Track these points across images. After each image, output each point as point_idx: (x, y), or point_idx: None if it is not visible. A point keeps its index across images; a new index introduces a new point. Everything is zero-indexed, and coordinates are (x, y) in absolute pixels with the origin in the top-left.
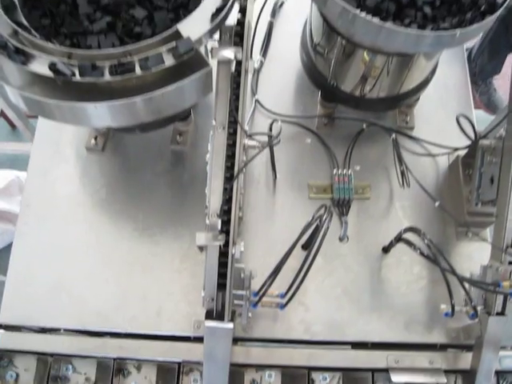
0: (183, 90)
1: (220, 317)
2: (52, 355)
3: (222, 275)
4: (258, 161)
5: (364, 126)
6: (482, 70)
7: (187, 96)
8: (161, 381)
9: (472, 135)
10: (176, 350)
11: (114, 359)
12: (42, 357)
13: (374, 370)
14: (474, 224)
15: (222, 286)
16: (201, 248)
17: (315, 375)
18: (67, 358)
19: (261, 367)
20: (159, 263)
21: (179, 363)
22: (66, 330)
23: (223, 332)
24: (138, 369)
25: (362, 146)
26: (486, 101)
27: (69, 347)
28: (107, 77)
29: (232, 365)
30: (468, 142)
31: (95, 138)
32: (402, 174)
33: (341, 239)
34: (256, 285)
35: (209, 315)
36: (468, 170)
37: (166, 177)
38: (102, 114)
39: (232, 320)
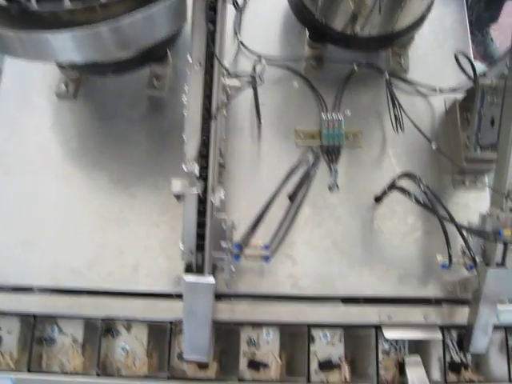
0: (153, 18)
1: (200, 270)
2: (35, 316)
3: (201, 225)
4: (242, 106)
5: (355, 66)
6: (478, 18)
7: (158, 25)
8: (152, 341)
9: (471, 74)
10: (155, 307)
11: (102, 319)
12: (25, 318)
13: (377, 327)
14: (472, 171)
15: (201, 238)
16: (178, 197)
17: (315, 333)
18: (52, 318)
19: (258, 325)
20: (136, 216)
21: (171, 322)
22: (39, 288)
23: (203, 287)
24: (128, 329)
25: (353, 89)
26: (483, 52)
27: (52, 306)
28: (67, 3)
29: (226, 323)
30: (466, 85)
31: (66, 84)
32: (396, 118)
33: (330, 188)
34: (239, 237)
35: (188, 269)
36: (466, 114)
37: (142, 124)
38: (65, 45)
39: (213, 274)
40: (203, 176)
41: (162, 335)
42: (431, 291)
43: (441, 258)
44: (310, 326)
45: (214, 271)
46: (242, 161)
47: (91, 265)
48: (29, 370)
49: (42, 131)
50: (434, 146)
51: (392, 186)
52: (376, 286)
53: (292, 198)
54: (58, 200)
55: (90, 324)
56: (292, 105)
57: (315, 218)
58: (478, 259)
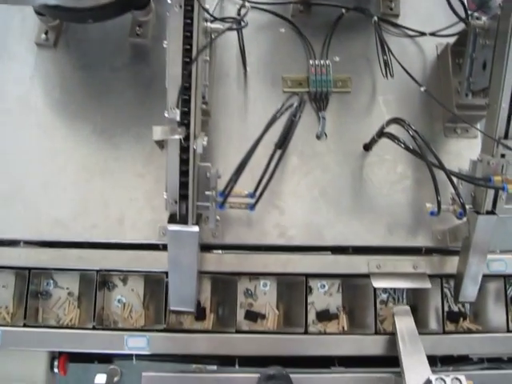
0: None
1: (184, 220)
2: (30, 270)
3: (184, 174)
4: (228, 54)
5: (343, 11)
6: None
7: None
8: (149, 293)
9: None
10: (141, 259)
11: (97, 271)
12: (20, 272)
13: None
14: (463, 118)
15: (184, 186)
16: (161, 145)
17: (313, 283)
18: (47, 272)
19: (255, 276)
20: (120, 167)
21: (167, 273)
22: (25, 242)
23: (188, 235)
24: (124, 281)
25: (342, 35)
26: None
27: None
28: None
29: (222, 274)
30: (458, 29)
31: (46, 33)
32: (386, 64)
33: (318, 137)
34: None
35: (172, 219)
36: (458, 60)
37: (125, 73)
38: None
39: (198, 224)
40: (185, 122)
41: (159, 287)
42: (421, 240)
43: (430, 206)
44: (308, 277)
45: (198, 221)
46: (228, 109)
47: (75, 217)
48: (25, 325)
49: (22, 81)
50: (422, 89)
51: (381, 133)
52: (365, 235)
53: (277, 144)
54: (40, 152)
55: (85, 277)
56: (279, 51)
57: (303, 167)
58: (468, 207)
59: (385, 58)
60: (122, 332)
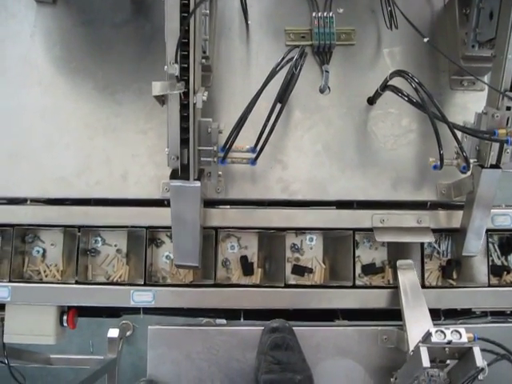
0: None
1: (186, 175)
2: (79, 228)
3: (185, 129)
4: (229, 7)
5: None
6: None
7: None
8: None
9: None
10: (144, 214)
11: (147, 228)
12: (69, 230)
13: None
14: (469, 70)
15: (185, 142)
16: (161, 101)
17: (359, 237)
18: (95, 230)
19: (301, 230)
20: (122, 124)
21: (216, 229)
22: (31, 200)
23: (190, 191)
24: (171, 238)
25: None
26: None
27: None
28: None
29: (271, 228)
30: None
31: None
32: (391, 14)
33: (321, 90)
34: None
35: (174, 174)
36: (465, 9)
37: (126, 29)
38: None
39: (199, 179)
40: (184, 78)
41: (206, 242)
42: (425, 195)
43: (433, 160)
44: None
45: (200, 176)
46: (230, 64)
47: (79, 174)
48: (76, 282)
49: (22, 39)
50: (425, 40)
51: (384, 86)
52: (369, 190)
53: (277, 97)
54: (42, 110)
55: (133, 234)
56: (281, 4)
57: (306, 121)
58: (472, 161)
59: (389, 8)
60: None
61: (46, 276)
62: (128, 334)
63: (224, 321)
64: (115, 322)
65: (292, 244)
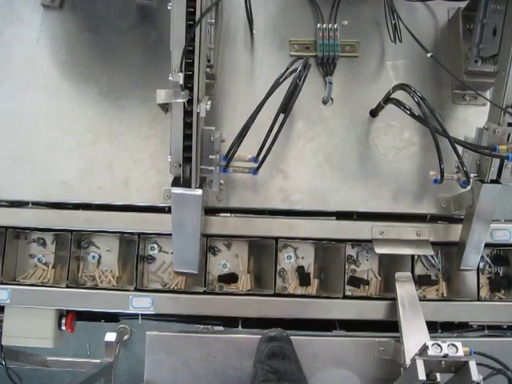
0: None
1: (187, 183)
2: (139, 235)
3: (188, 137)
4: (235, 16)
5: None
6: None
7: None
8: (252, 258)
9: None
10: (146, 221)
11: (207, 236)
12: (125, 236)
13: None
14: (472, 85)
15: (188, 149)
16: (165, 109)
17: None
18: (152, 237)
19: (357, 242)
20: (125, 130)
21: (276, 238)
22: (33, 203)
23: (191, 198)
24: (228, 246)
25: None
26: None
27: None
28: None
29: (326, 240)
30: None
31: None
32: (395, 27)
33: (324, 101)
34: None
35: (176, 182)
36: (469, 25)
37: (131, 35)
38: None
39: (201, 187)
40: (189, 86)
41: (262, 252)
42: (425, 208)
43: (433, 173)
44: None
45: (202, 185)
46: (234, 72)
47: (81, 179)
48: (135, 289)
49: (28, 43)
50: (429, 55)
51: (387, 99)
52: (369, 201)
53: (280, 108)
54: (46, 114)
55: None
56: (287, 14)
57: (308, 132)
58: (472, 175)
59: (393, 21)
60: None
61: (102, 282)
62: (125, 338)
63: (221, 328)
64: (113, 325)
65: (349, 255)
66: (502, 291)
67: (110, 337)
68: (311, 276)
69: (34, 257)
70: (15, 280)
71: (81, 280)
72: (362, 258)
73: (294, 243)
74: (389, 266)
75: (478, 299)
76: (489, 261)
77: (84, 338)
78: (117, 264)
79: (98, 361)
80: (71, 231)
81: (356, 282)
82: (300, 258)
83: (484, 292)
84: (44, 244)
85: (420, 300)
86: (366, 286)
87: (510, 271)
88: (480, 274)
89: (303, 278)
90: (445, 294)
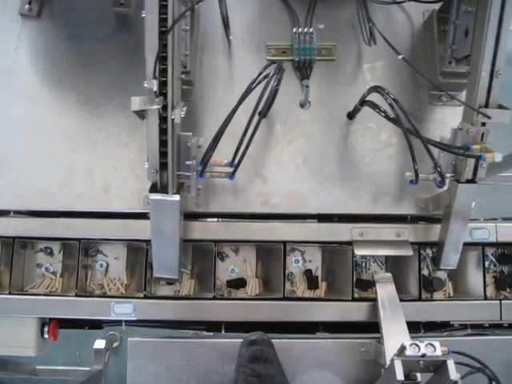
0: None
1: (165, 189)
2: (147, 242)
3: (164, 143)
4: (212, 21)
5: None
6: None
7: None
8: (260, 262)
9: None
10: (126, 227)
11: (215, 242)
12: (132, 243)
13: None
14: (447, 86)
15: (164, 156)
16: (142, 116)
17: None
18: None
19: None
20: (104, 137)
21: (284, 242)
22: (14, 212)
23: (169, 205)
24: (236, 251)
25: (327, 1)
26: None
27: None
28: None
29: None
30: None
31: (29, 3)
32: (370, 31)
33: (302, 105)
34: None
35: (153, 188)
36: (443, 26)
37: (109, 43)
38: None
39: (179, 192)
40: (164, 92)
41: (270, 257)
42: (404, 208)
43: (409, 174)
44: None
45: (180, 190)
46: (212, 78)
47: (61, 187)
48: (145, 296)
49: (7, 52)
50: (400, 57)
51: (362, 101)
52: (348, 203)
53: (253, 112)
54: (25, 122)
55: (200, 248)
56: (263, 19)
57: (286, 135)
58: (448, 176)
59: (370, 24)
60: (109, 299)
61: (110, 290)
62: (115, 345)
63: (211, 334)
64: (102, 333)
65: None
66: (508, 289)
67: (100, 344)
68: (319, 279)
69: (42, 266)
70: (23, 290)
71: (89, 288)
72: (368, 261)
73: (301, 247)
74: (395, 267)
75: (485, 298)
76: (494, 260)
77: (74, 346)
78: (125, 271)
79: (88, 368)
80: (79, 240)
81: (363, 284)
82: (308, 262)
83: (490, 291)
84: (51, 253)
85: (402, 300)
86: (374, 288)
87: None
88: (486, 273)
89: (311, 282)
90: (451, 295)
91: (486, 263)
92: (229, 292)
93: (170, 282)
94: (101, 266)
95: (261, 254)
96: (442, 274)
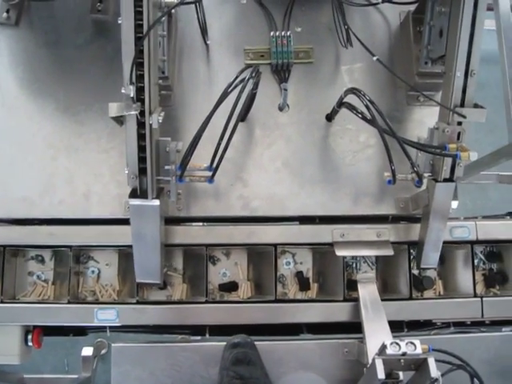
0: None
1: (144, 195)
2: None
3: (142, 149)
4: (189, 26)
5: None
6: None
7: None
8: (252, 265)
9: None
10: (109, 233)
11: (206, 246)
12: (123, 249)
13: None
14: (424, 86)
15: (143, 161)
16: (120, 121)
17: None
18: None
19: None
20: (85, 144)
21: (275, 245)
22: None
23: (149, 210)
24: (227, 255)
25: (304, 5)
26: None
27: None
28: None
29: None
30: None
31: (7, 11)
32: (347, 33)
33: (280, 108)
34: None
35: (133, 193)
36: (419, 27)
37: (87, 50)
38: None
39: (158, 197)
40: (141, 98)
41: (260, 259)
42: (384, 209)
43: (387, 174)
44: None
45: (160, 195)
46: (191, 83)
47: (42, 194)
48: (137, 302)
49: None
50: (374, 58)
51: (340, 103)
52: (329, 205)
53: (229, 116)
54: (5, 130)
55: (191, 252)
56: (241, 23)
57: (265, 139)
58: (427, 175)
59: (346, 27)
60: (92, 305)
61: (102, 296)
62: (103, 352)
63: (198, 337)
64: (90, 340)
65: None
66: (497, 287)
67: (87, 351)
68: (310, 280)
69: (33, 274)
70: (15, 298)
71: (81, 295)
72: (359, 261)
73: (292, 249)
74: (386, 267)
75: (475, 296)
76: (483, 258)
77: (61, 354)
78: (117, 277)
79: (76, 376)
80: (70, 247)
81: (354, 285)
82: (298, 264)
83: (479, 288)
84: (42, 261)
85: (383, 300)
86: None
87: (504, 267)
88: (475, 270)
89: (303, 283)
90: (441, 293)
91: (475, 261)
92: (221, 295)
93: (161, 288)
94: (92, 272)
95: (252, 257)
96: (431, 273)
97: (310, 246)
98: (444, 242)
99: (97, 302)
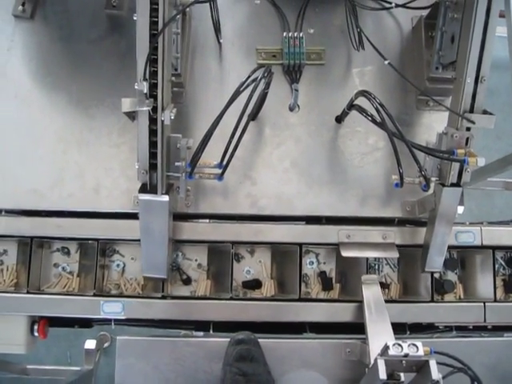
0: None
1: (154, 190)
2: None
3: (154, 144)
4: (203, 25)
5: None
6: None
7: None
8: (275, 264)
9: None
10: (115, 227)
11: (233, 243)
12: None
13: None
14: (434, 91)
15: (154, 157)
16: (132, 117)
17: None
18: (178, 244)
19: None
20: (96, 138)
21: (300, 245)
22: (6, 211)
23: (158, 205)
24: (251, 253)
25: (318, 7)
26: None
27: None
28: None
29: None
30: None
31: (23, 4)
32: (360, 36)
33: (291, 108)
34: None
35: (143, 188)
36: (431, 32)
37: (101, 45)
38: None
39: (168, 193)
40: (154, 94)
41: (285, 258)
42: (391, 211)
43: (395, 177)
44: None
45: (169, 191)
46: (203, 81)
47: (52, 187)
48: (162, 296)
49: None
50: (386, 62)
51: (350, 106)
52: (336, 206)
53: (241, 115)
54: (17, 123)
55: (215, 249)
56: (254, 23)
57: (275, 138)
58: (434, 179)
59: (358, 30)
60: (98, 298)
61: (127, 290)
62: (106, 345)
63: (201, 333)
64: (93, 332)
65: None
66: None
67: (90, 344)
68: (333, 281)
69: (58, 266)
70: (40, 289)
71: (106, 288)
72: (381, 263)
73: (315, 249)
74: (407, 270)
75: (495, 300)
76: (503, 263)
77: (64, 346)
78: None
79: (78, 368)
80: (97, 240)
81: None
82: (322, 264)
83: (499, 293)
84: (68, 253)
85: (387, 302)
86: (386, 290)
87: None
88: (495, 275)
89: (326, 283)
90: (462, 297)
91: (496, 266)
92: (244, 293)
93: (186, 283)
94: (117, 266)
95: (276, 256)
96: (452, 277)
97: (333, 246)
98: (450, 247)
99: (103, 295)
